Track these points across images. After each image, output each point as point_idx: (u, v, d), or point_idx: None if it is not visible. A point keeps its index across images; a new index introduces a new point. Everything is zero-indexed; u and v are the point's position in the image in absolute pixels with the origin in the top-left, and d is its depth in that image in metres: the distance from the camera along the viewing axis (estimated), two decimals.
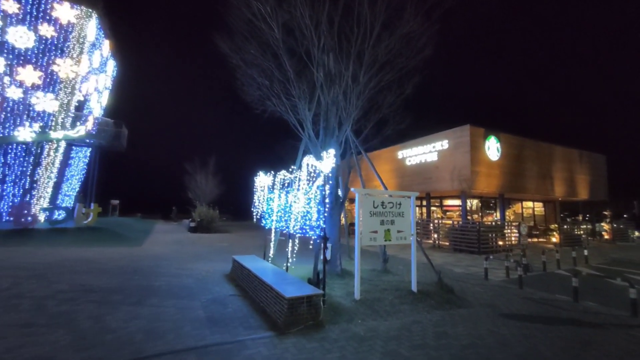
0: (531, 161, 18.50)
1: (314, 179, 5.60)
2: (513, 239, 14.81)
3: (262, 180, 8.27)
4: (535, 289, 7.80)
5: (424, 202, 20.60)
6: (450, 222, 16.46)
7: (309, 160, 5.49)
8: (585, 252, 11.60)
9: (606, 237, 20.45)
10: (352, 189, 5.51)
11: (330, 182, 6.30)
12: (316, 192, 5.23)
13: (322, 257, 5.14)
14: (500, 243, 14.32)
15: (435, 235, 15.83)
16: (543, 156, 19.27)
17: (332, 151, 5.24)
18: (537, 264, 10.81)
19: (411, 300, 5.75)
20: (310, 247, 7.31)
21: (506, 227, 14.99)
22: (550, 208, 24.12)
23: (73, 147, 20.44)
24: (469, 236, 13.70)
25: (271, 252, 7.34)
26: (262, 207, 7.94)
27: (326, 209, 5.14)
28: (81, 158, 22.23)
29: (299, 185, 5.98)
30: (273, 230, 7.16)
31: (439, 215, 21.08)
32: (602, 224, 20.68)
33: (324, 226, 5.16)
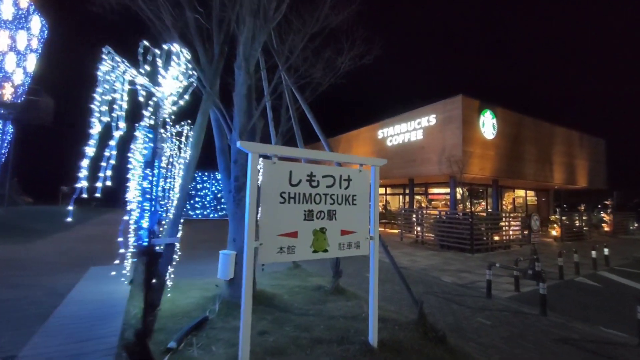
0: (530, 142, 15.96)
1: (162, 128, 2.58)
2: (511, 233, 12.27)
3: None
4: (564, 314, 5.13)
5: (407, 190, 17.91)
6: (437, 212, 13.80)
7: (127, 73, 2.43)
8: (606, 252, 9.11)
9: (606, 229, 18.36)
10: (238, 145, 2.52)
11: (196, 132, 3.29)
12: (142, 151, 2.23)
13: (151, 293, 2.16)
14: (496, 238, 11.76)
15: (419, 229, 13.15)
16: (543, 137, 16.78)
17: (178, 49, 2.23)
18: (545, 266, 8.23)
19: None
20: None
21: (504, 219, 12.42)
22: (544, 197, 21.97)
23: None
24: (458, 230, 11.04)
25: (126, 265, 4.28)
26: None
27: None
28: None
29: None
30: (126, 224, 4.07)
31: (423, 204, 18.48)
32: (603, 214, 18.55)
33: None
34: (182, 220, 3.55)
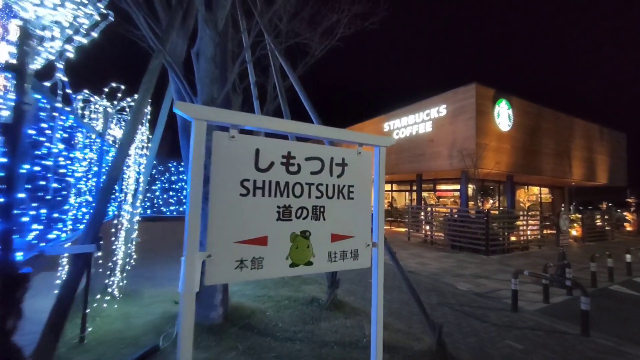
0: (548, 135, 14.85)
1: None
2: (529, 233, 11.28)
3: None
4: (610, 334, 4.22)
5: (414, 186, 16.94)
6: (448, 210, 12.85)
7: None
8: None
9: (629, 228, 17.20)
10: (174, 108, 1.68)
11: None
12: None
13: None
14: (513, 239, 10.80)
15: (427, 227, 12.23)
16: (562, 130, 15.64)
17: None
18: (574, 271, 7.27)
19: None
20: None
21: (521, 218, 11.42)
22: (558, 195, 20.81)
23: None
24: (472, 229, 10.10)
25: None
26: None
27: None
28: None
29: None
30: None
31: (432, 202, 17.52)
32: (625, 213, 17.36)
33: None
34: (139, 219, 2.72)
